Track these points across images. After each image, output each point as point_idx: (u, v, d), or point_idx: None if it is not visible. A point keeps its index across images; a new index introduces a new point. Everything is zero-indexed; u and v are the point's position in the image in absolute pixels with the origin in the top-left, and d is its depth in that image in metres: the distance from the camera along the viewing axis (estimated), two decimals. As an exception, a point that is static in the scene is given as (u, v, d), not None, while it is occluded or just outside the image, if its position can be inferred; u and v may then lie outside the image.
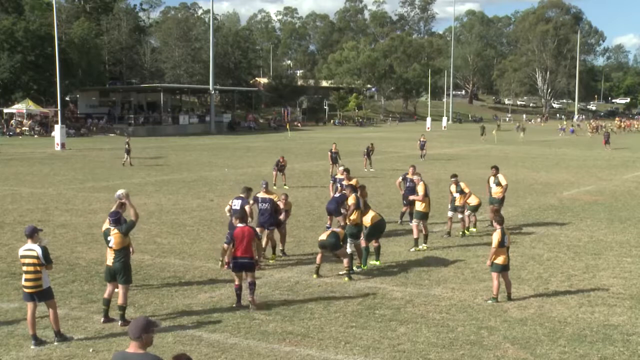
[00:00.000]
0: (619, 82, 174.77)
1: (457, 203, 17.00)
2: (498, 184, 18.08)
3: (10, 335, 9.86)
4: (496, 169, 18.45)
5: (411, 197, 16.69)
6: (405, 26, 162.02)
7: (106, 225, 10.88)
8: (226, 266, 12.04)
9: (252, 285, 11.02)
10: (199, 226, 18.13)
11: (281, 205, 14.40)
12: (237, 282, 11.16)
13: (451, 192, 17.22)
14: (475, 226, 17.68)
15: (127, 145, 35.16)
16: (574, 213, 20.89)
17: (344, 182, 17.12)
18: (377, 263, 14.02)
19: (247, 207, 13.24)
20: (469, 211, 17.43)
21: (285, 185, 26.38)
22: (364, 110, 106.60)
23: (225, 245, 11.42)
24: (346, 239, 13.17)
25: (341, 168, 19.84)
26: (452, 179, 17.38)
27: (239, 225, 11.20)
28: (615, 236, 17.34)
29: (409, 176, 18.26)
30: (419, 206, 15.72)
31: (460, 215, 16.99)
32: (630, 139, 65.05)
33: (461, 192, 17.01)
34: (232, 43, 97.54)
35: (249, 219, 12.36)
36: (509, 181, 27.93)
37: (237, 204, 13.59)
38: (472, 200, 17.41)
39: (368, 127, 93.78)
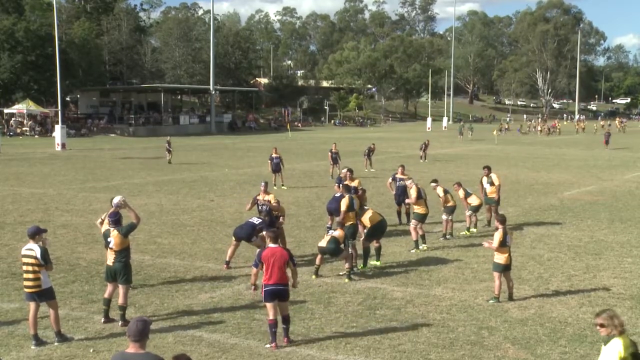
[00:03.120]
0: (619, 82, 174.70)
1: (448, 204, 16.90)
2: (491, 183, 18.10)
3: (11, 335, 9.86)
4: (488, 169, 18.46)
5: (407, 201, 16.83)
6: (406, 26, 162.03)
7: (106, 226, 10.89)
8: (253, 288, 10.45)
9: (287, 322, 9.59)
10: (199, 226, 18.12)
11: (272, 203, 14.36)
12: (271, 317, 9.38)
13: (439, 196, 17.10)
14: (475, 226, 17.67)
15: (167, 145, 36.23)
16: (575, 213, 20.88)
17: (346, 182, 17.14)
18: (378, 263, 14.01)
19: (264, 232, 13.11)
20: (470, 211, 17.43)
21: (283, 185, 26.33)
22: (365, 111, 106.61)
23: (254, 269, 9.89)
24: (347, 241, 13.16)
25: (345, 170, 19.80)
26: (433, 184, 17.24)
27: (271, 245, 9.82)
28: (616, 236, 17.33)
29: (399, 176, 18.36)
30: (417, 208, 15.73)
31: (444, 217, 16.89)
32: (630, 139, 65.02)
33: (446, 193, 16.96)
34: (232, 43, 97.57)
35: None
36: (510, 181, 28.07)
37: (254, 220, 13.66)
38: (474, 201, 17.41)
39: (369, 127, 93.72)
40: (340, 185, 18.07)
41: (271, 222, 13.93)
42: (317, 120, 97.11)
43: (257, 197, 14.59)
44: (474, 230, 17.50)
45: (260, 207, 14.43)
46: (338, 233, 12.88)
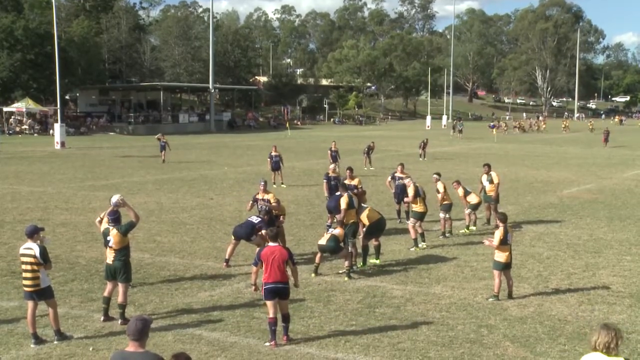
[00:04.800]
0: (618, 80, 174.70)
1: (445, 202, 16.89)
2: (491, 181, 18.10)
3: (10, 334, 9.86)
4: (488, 167, 18.45)
5: (405, 200, 16.89)
6: (405, 24, 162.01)
7: (105, 224, 10.88)
8: (254, 288, 10.18)
9: (287, 320, 9.58)
10: (198, 225, 18.12)
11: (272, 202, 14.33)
12: (271, 315, 9.37)
13: (438, 191, 17.12)
14: (474, 224, 17.68)
15: (163, 143, 35.68)
16: (574, 211, 20.89)
17: (346, 181, 17.14)
18: (377, 262, 14.02)
19: (263, 231, 13.10)
20: (469, 210, 17.44)
21: (282, 184, 26.31)
22: (364, 109, 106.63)
23: (254, 268, 9.80)
24: (347, 239, 13.17)
25: (332, 166, 19.91)
26: (435, 176, 17.36)
27: (270, 244, 9.79)
28: (615, 234, 17.34)
29: (398, 174, 18.39)
30: (415, 207, 15.76)
31: (442, 215, 16.91)
32: (630, 137, 65.05)
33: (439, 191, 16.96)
34: (231, 41, 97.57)
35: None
36: (509, 179, 28.08)
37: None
38: (473, 199, 17.42)
39: (363, 125, 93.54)
40: (328, 181, 18.28)
41: (271, 221, 13.91)
42: (313, 119, 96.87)
43: (257, 196, 14.58)
44: (473, 228, 17.51)
45: (259, 207, 14.42)
46: (338, 231, 12.88)
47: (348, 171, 17.51)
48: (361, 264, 13.83)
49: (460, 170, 31.36)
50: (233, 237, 13.78)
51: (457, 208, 18.43)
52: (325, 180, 19.08)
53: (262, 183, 14.75)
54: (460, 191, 17.34)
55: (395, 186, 18.48)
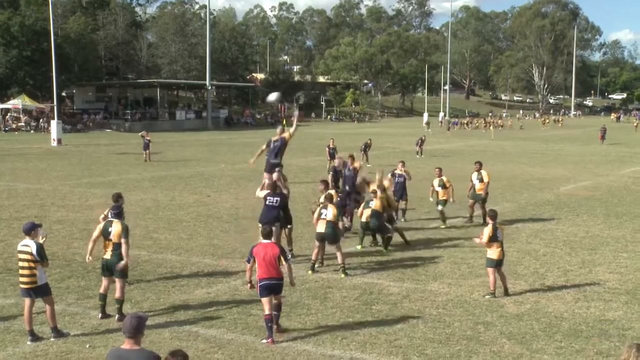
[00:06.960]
0: (615, 77, 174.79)
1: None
2: (481, 180, 18.04)
3: (7, 331, 9.84)
4: (479, 165, 18.43)
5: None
6: (403, 21, 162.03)
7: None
8: (249, 285, 10.02)
9: (278, 309, 9.67)
10: (195, 222, 18.11)
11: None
12: (267, 312, 9.39)
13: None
14: (471, 220, 17.72)
15: (147, 141, 35.29)
16: (571, 208, 20.92)
17: (349, 164, 17.35)
18: (358, 247, 14.86)
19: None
20: (440, 206, 17.52)
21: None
22: (361, 106, 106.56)
23: (247, 265, 9.88)
24: (340, 216, 13.37)
25: (337, 160, 20.06)
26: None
27: (263, 241, 9.75)
28: (611, 231, 17.38)
29: (398, 171, 18.45)
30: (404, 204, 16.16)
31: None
32: (626, 135, 65.14)
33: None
34: (228, 38, 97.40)
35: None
36: (506, 177, 28.12)
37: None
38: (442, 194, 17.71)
39: (355, 123, 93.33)
40: (335, 174, 18.52)
41: (287, 218, 13.72)
42: (307, 116, 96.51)
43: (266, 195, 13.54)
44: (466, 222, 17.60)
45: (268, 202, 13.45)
46: (331, 213, 12.78)
47: (350, 158, 17.59)
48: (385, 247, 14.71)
49: (457, 167, 31.35)
50: (267, 229, 11.75)
51: (458, 205, 18.44)
52: (332, 173, 19.21)
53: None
54: (436, 182, 17.48)
55: (394, 183, 18.48)
